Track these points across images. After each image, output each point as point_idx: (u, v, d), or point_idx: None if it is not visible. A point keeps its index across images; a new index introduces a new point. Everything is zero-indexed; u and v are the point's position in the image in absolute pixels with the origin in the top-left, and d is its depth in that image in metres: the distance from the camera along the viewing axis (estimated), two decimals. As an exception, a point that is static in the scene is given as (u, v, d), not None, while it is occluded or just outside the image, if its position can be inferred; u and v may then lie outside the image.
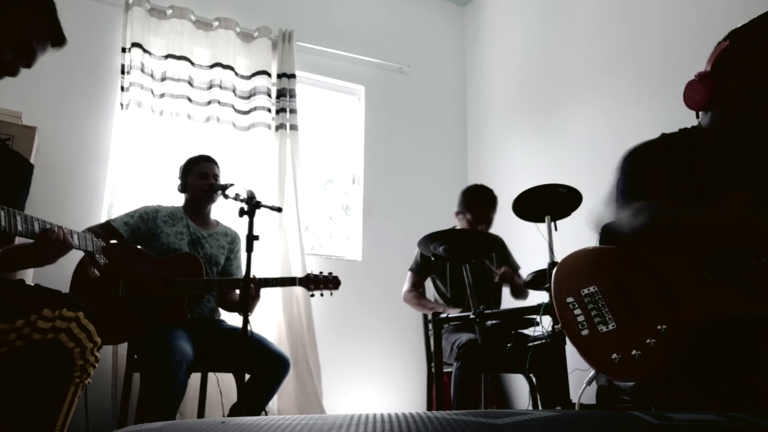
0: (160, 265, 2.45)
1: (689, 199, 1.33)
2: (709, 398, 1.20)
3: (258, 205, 2.23)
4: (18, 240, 1.49)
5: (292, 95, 3.75)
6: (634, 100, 3.11)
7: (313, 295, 2.61)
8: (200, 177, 2.66)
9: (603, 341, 1.26)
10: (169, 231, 2.59)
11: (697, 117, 1.44)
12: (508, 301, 3.12)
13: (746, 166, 1.34)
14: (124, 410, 2.39)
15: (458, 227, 3.01)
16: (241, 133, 3.61)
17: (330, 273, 2.62)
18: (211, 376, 2.71)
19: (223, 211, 2.87)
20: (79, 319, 1.39)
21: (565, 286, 1.37)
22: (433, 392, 2.75)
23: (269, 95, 3.71)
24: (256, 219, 2.21)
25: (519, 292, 3.00)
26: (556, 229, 2.29)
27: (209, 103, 3.55)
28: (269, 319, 3.34)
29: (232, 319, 2.73)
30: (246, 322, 2.10)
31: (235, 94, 3.64)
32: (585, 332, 1.29)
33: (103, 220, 3.00)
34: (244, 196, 2.24)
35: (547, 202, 2.30)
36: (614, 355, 1.23)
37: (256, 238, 2.18)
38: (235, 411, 2.40)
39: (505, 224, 3.03)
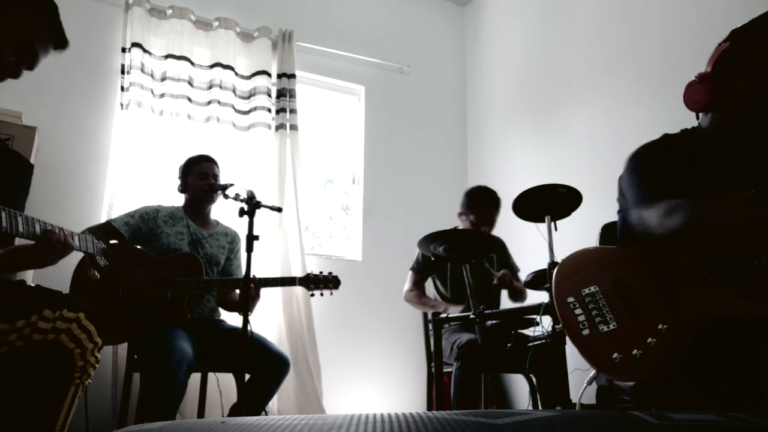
0: (161, 265, 2.45)
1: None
2: (709, 398, 1.20)
3: (258, 205, 2.23)
4: (18, 241, 1.49)
5: (292, 95, 3.75)
6: (634, 100, 3.12)
7: (313, 295, 2.61)
8: (200, 177, 2.66)
9: (604, 341, 1.26)
10: (170, 231, 2.59)
11: (697, 118, 1.44)
12: (507, 301, 3.12)
13: (746, 167, 1.34)
14: (124, 410, 2.39)
15: (461, 228, 3.01)
16: (241, 133, 3.61)
17: (330, 273, 2.62)
18: (211, 376, 2.71)
19: (223, 211, 2.87)
20: (80, 320, 1.39)
21: (566, 286, 1.37)
22: (433, 392, 2.75)
23: (269, 95, 3.71)
24: (256, 219, 2.21)
25: (517, 296, 3.00)
26: (556, 229, 2.29)
27: (209, 103, 3.55)
28: (269, 319, 3.34)
29: (232, 319, 2.73)
30: (246, 322, 2.10)
31: (235, 94, 3.64)
32: (586, 332, 1.29)
33: (103, 220, 3.01)
34: (244, 196, 2.24)
35: (547, 202, 2.30)
36: (615, 355, 1.23)
37: (256, 238, 2.18)
38: (235, 411, 2.40)
39: (505, 224, 3.03)
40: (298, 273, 3.39)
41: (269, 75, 3.75)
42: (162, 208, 2.67)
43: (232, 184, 2.43)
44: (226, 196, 2.35)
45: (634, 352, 1.22)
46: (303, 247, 3.55)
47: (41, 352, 1.34)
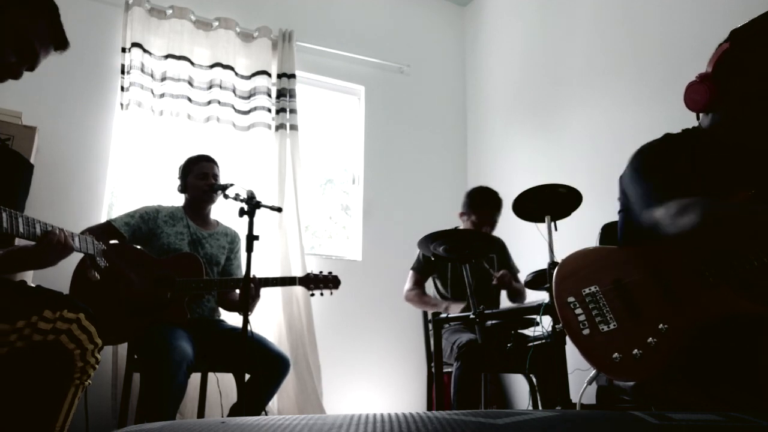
0: (161, 265, 2.45)
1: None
2: (709, 398, 1.20)
3: (258, 205, 2.23)
4: (18, 242, 1.49)
5: (292, 95, 3.75)
6: (634, 100, 3.12)
7: (313, 295, 2.61)
8: (200, 177, 2.66)
9: (604, 341, 1.26)
10: (170, 231, 2.59)
11: (698, 118, 1.44)
12: (507, 301, 3.12)
13: (747, 167, 1.34)
14: (124, 410, 2.39)
15: (462, 228, 3.01)
16: (241, 133, 3.61)
17: (330, 272, 2.62)
18: (211, 376, 2.71)
19: (223, 211, 2.87)
20: (80, 321, 1.39)
21: (566, 286, 1.37)
22: (433, 392, 2.75)
23: (269, 95, 3.71)
24: (256, 219, 2.21)
25: (516, 296, 3.00)
26: (556, 229, 2.29)
27: (209, 103, 3.55)
28: (269, 319, 3.34)
29: (232, 318, 2.74)
30: (246, 322, 2.10)
31: (235, 94, 3.64)
32: (586, 332, 1.29)
33: (103, 220, 3.01)
34: (244, 196, 2.24)
35: (547, 202, 2.30)
36: (615, 355, 1.23)
37: (256, 238, 2.18)
38: (235, 411, 2.40)
39: (506, 224, 3.03)
40: (298, 273, 3.39)
41: (269, 75, 3.75)
42: (162, 208, 2.67)
43: (232, 184, 2.43)
44: (226, 196, 2.35)
45: (635, 351, 1.22)
46: (303, 247, 3.55)
47: (41, 353, 1.33)
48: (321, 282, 2.58)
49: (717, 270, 1.24)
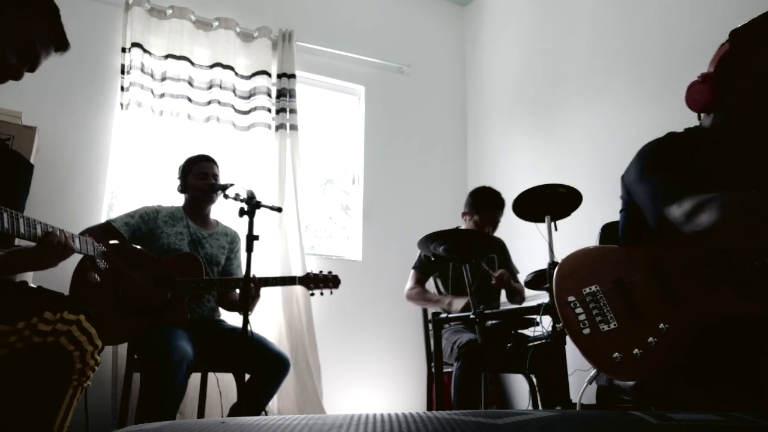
0: (161, 265, 2.45)
1: None
2: (709, 398, 1.20)
3: (258, 205, 2.23)
4: (18, 242, 1.49)
5: (292, 95, 3.75)
6: (633, 100, 3.12)
7: (313, 294, 2.61)
8: (200, 177, 2.66)
9: (604, 340, 1.26)
10: (170, 231, 2.59)
11: (699, 118, 1.44)
12: (507, 301, 3.12)
13: (748, 166, 1.34)
14: (124, 410, 2.39)
15: (463, 228, 3.01)
16: (241, 133, 3.61)
17: (330, 272, 2.62)
18: (211, 376, 2.71)
19: (223, 211, 2.87)
20: (81, 323, 1.39)
21: (567, 286, 1.37)
22: (433, 392, 2.75)
23: (269, 95, 3.71)
24: (256, 219, 2.21)
25: (515, 296, 2.99)
26: (556, 229, 2.29)
27: (209, 103, 3.55)
28: (269, 319, 3.34)
29: (232, 318, 2.74)
30: (246, 321, 2.10)
31: (235, 94, 3.64)
32: (586, 331, 1.29)
33: (103, 220, 3.00)
34: (244, 196, 2.24)
35: (547, 202, 2.30)
36: (616, 354, 1.23)
37: (256, 238, 2.18)
38: (235, 411, 2.40)
39: (506, 224, 3.03)
40: (298, 273, 3.39)
41: (269, 75, 3.75)
42: (162, 208, 2.67)
43: (232, 184, 2.43)
44: (226, 196, 2.35)
45: (635, 351, 1.22)
46: (303, 247, 3.55)
47: (40, 354, 1.33)
48: (321, 281, 2.58)
49: (717, 270, 1.24)
